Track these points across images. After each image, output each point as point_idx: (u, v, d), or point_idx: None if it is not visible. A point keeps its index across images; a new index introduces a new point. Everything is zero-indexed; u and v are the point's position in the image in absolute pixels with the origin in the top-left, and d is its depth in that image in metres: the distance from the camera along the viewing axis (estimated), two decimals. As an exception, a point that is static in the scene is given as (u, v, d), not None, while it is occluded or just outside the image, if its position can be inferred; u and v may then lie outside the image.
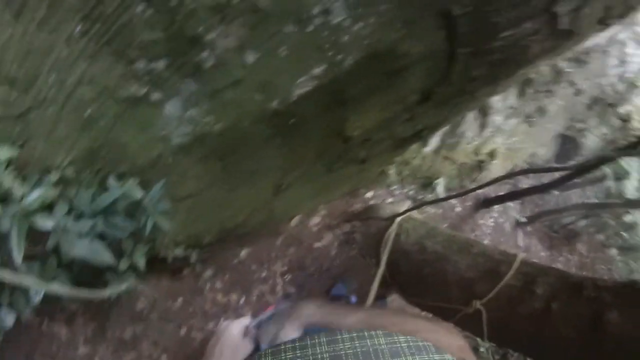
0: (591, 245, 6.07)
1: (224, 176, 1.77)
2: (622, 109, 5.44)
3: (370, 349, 0.51)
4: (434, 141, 3.54)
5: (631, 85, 5.09)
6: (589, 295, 1.74)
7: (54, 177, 1.33)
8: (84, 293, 1.42)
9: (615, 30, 4.07)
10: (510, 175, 2.19)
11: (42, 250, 1.45)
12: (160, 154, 1.48)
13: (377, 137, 2.19)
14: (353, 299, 2.78)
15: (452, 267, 2.33)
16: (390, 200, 3.49)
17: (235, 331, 0.98)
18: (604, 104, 5.14)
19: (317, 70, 1.39)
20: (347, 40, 1.32)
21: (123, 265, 1.60)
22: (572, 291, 1.81)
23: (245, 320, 1.03)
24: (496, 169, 4.67)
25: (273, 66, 1.30)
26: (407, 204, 3.26)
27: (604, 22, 1.64)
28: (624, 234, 5.72)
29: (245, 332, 0.99)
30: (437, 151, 3.69)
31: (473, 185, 4.47)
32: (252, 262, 2.58)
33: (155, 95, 1.27)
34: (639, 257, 5.77)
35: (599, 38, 3.82)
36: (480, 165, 4.35)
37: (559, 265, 5.51)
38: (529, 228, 5.33)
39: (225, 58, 1.21)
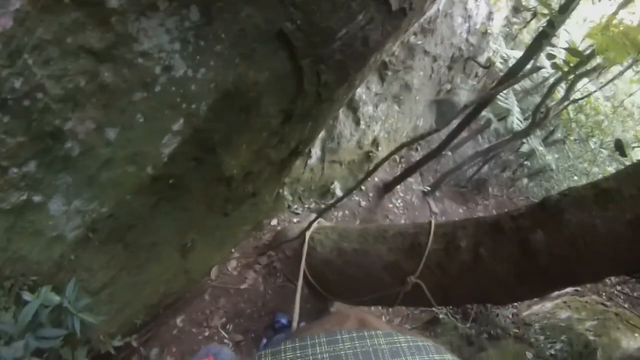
0: (501, 184, 6.76)
1: (128, 257, 1.84)
2: (481, 58, 6.00)
3: (370, 349, 0.53)
4: (316, 151, 3.77)
5: (482, 35, 5.64)
6: (510, 227, 1.85)
7: (-32, 312, 1.34)
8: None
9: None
10: (390, 155, 2.41)
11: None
12: (62, 254, 1.55)
13: (257, 168, 2.36)
14: (302, 324, 2.85)
15: (374, 257, 2.38)
16: (296, 220, 3.66)
17: None
18: (462, 60, 5.68)
19: (176, 126, 1.56)
20: (195, 89, 1.50)
21: (68, 374, 1.60)
22: (493, 232, 1.92)
23: None
24: (384, 154, 5.08)
25: (135, 135, 1.45)
26: (313, 217, 3.44)
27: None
28: (527, 162, 6.44)
29: None
30: (322, 159, 3.93)
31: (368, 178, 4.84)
32: (191, 327, 2.61)
33: (37, 198, 1.35)
34: (547, 176, 6.46)
35: (439, 4, 4.20)
36: (368, 157, 4.68)
37: (480, 214, 6.00)
38: (437, 194, 5.82)
39: (89, 142, 1.34)
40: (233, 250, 3.06)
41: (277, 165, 2.65)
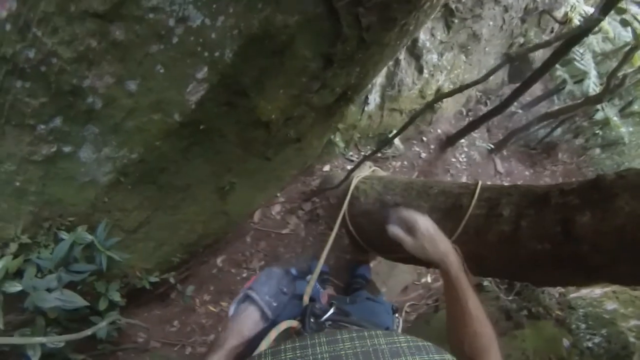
0: (572, 151, 6.38)
1: (162, 198, 2.03)
2: (558, 13, 5.54)
3: (370, 349, 0.55)
4: (374, 98, 3.73)
5: (559, -14, 5.13)
6: (557, 203, 1.73)
7: (12, 248, 1.60)
8: (71, 337, 1.70)
9: None
10: (436, 100, 2.29)
11: (30, 317, 1.74)
12: (95, 196, 1.75)
13: (298, 113, 2.40)
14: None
15: None
16: (349, 167, 3.70)
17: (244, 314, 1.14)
18: (537, 13, 5.31)
19: (200, 74, 1.63)
20: (216, 38, 1.54)
21: (102, 304, 1.88)
22: (539, 204, 1.81)
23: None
24: (449, 106, 4.94)
25: (156, 85, 1.55)
26: (368, 166, 3.48)
27: None
28: (599, 131, 6.02)
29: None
30: (381, 106, 3.88)
31: (430, 129, 4.74)
32: (230, 267, 2.87)
33: (67, 149, 1.53)
34: (620, 150, 6.07)
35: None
36: (432, 107, 4.51)
37: (546, 180, 5.81)
38: (505, 153, 5.62)
39: (110, 95, 1.47)
40: (278, 194, 3.21)
41: (323, 111, 2.67)
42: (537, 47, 2.33)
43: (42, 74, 1.27)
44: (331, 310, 1.17)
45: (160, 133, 1.72)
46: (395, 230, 1.37)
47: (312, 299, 1.35)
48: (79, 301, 1.65)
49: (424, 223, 1.33)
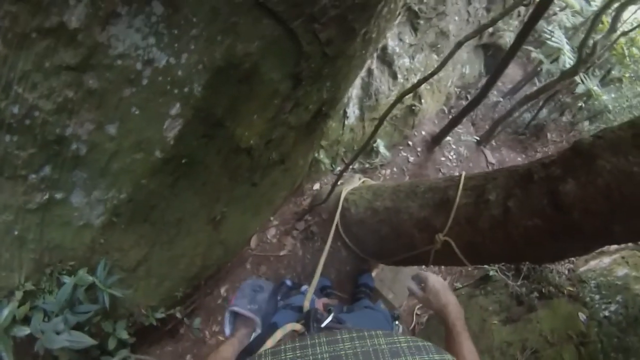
0: (561, 129, 6.50)
1: (157, 234, 2.16)
2: None
3: (370, 349, 0.56)
4: (353, 110, 3.87)
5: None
6: (540, 177, 1.77)
7: (18, 296, 1.72)
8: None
9: None
10: (389, 110, 2.36)
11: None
12: (92, 239, 1.88)
13: (277, 135, 2.54)
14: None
15: (405, 214, 2.44)
16: (340, 182, 3.82)
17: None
18: (501, 0, 5.36)
19: (174, 111, 1.78)
20: (182, 74, 1.69)
21: (111, 343, 1.99)
22: (523, 182, 1.85)
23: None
24: (429, 107, 5.06)
25: (135, 126, 1.69)
26: (357, 178, 3.60)
27: None
28: (584, 104, 6.15)
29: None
30: (361, 118, 4.01)
31: (414, 132, 4.89)
32: (234, 295, 2.95)
33: (58, 195, 1.67)
34: (606, 118, 6.09)
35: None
36: (412, 110, 4.71)
37: None
38: (494, 142, 5.75)
39: (93, 140, 1.61)
40: (272, 218, 3.34)
41: (302, 130, 2.80)
42: (483, 27, 2.47)
43: (28, 126, 1.42)
44: (330, 317, 1.24)
45: (145, 171, 1.85)
46: (411, 285, 1.65)
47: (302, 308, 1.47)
48: (87, 340, 1.76)
49: (433, 280, 1.55)
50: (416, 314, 3.63)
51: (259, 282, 1.59)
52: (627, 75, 5.73)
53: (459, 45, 2.09)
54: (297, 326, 1.14)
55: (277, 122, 2.44)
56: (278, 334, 1.05)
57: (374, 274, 3.44)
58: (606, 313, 2.82)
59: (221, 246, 2.72)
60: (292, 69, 2.17)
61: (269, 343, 1.00)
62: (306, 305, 1.39)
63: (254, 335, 1.39)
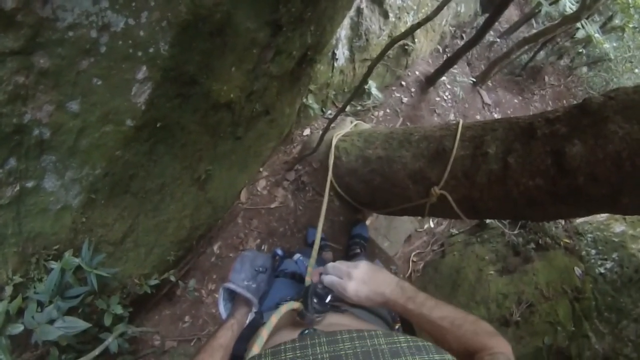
0: (558, 72, 6.43)
1: (140, 203, 2.10)
2: None
3: (370, 349, 0.57)
4: (342, 52, 3.72)
5: None
6: (543, 134, 1.68)
7: (8, 290, 1.69)
8: (85, 358, 1.84)
9: None
10: (382, 54, 2.22)
11: (44, 350, 1.86)
12: (73, 220, 1.83)
13: (259, 87, 2.43)
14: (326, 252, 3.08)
15: (399, 164, 2.37)
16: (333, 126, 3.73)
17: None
18: None
19: (140, 74, 1.66)
20: (145, 35, 1.57)
21: (107, 320, 2.00)
22: (524, 137, 1.77)
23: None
24: (423, 46, 4.92)
25: (99, 99, 1.59)
26: (349, 121, 3.50)
27: None
28: (583, 50, 6.09)
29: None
30: (351, 59, 3.89)
31: (407, 72, 4.74)
32: (227, 252, 2.97)
33: (29, 184, 1.59)
34: (606, 66, 6.13)
35: None
36: (405, 50, 4.57)
37: (537, 105, 5.88)
38: (490, 83, 5.67)
39: (55, 122, 1.51)
40: (261, 169, 3.27)
41: (287, 78, 2.69)
42: None
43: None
44: (330, 296, 1.12)
45: (117, 143, 1.77)
46: (328, 279, 1.17)
47: (299, 275, 1.42)
48: (81, 324, 1.75)
49: (360, 266, 1.15)
50: (412, 261, 3.69)
51: (261, 259, 1.45)
52: (630, 25, 5.62)
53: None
54: (295, 304, 1.06)
55: (258, 72, 2.33)
56: (273, 319, 0.98)
57: (368, 222, 3.43)
58: (602, 270, 2.87)
59: (209, 205, 2.68)
60: (270, 15, 2.04)
61: (264, 332, 0.92)
62: (307, 280, 1.30)
63: (250, 316, 1.34)
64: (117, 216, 2.04)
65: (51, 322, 1.71)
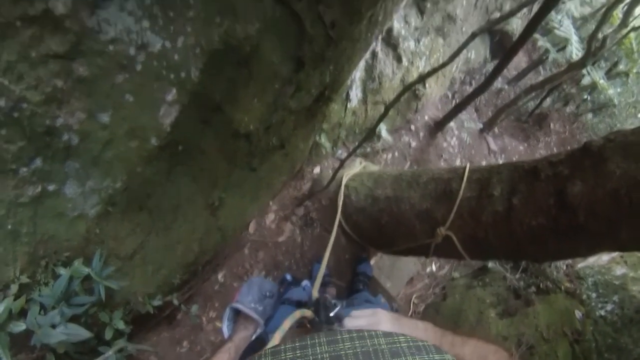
0: (564, 119, 6.52)
1: (153, 221, 2.12)
2: None
3: (370, 349, 0.56)
4: (356, 93, 3.80)
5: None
6: (547, 175, 1.75)
7: (13, 289, 1.69)
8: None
9: None
10: (398, 97, 2.30)
11: (41, 354, 1.84)
12: (87, 229, 1.85)
13: (277, 120, 2.49)
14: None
15: (407, 204, 2.41)
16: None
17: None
18: None
19: (170, 96, 1.72)
20: (179, 58, 1.64)
21: (108, 334, 1.97)
22: (529, 179, 1.83)
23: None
24: (433, 91, 5.02)
25: (128, 114, 1.64)
26: (358, 162, 3.55)
27: None
28: (588, 96, 6.16)
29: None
30: (364, 101, 3.96)
31: (417, 116, 4.83)
32: (232, 281, 2.96)
33: (51, 187, 1.63)
34: (611, 112, 6.17)
35: None
36: (415, 95, 4.66)
37: (542, 152, 5.92)
38: (497, 130, 5.73)
39: (85, 130, 1.56)
40: (271, 203, 3.30)
41: (303, 114, 2.75)
42: (498, 21, 2.42)
43: (16, 119, 1.36)
44: (338, 307, 1.16)
45: (140, 159, 1.81)
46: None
47: (304, 303, 1.43)
48: (83, 333, 1.74)
49: (379, 315, 1.14)
50: (413, 302, 3.65)
51: (269, 285, 1.49)
52: (634, 70, 5.70)
53: (473, 36, 2.05)
54: (307, 312, 1.11)
55: (278, 106, 2.39)
56: (286, 323, 1.00)
57: (372, 262, 3.42)
58: (602, 312, 2.85)
59: (219, 232, 2.69)
60: (294, 51, 2.12)
61: (277, 336, 0.94)
62: (314, 294, 1.34)
63: (254, 336, 1.34)
64: (130, 231, 2.05)
65: (53, 326, 1.69)
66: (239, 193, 2.70)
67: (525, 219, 1.79)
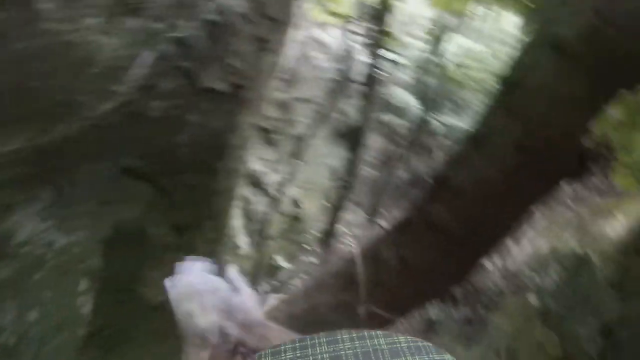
0: None
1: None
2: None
3: (370, 349, 0.54)
4: (242, 239, 3.93)
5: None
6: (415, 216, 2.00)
7: None
8: None
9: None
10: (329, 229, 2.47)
11: None
12: None
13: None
14: None
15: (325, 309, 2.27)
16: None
17: None
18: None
19: (82, 286, 1.92)
20: (80, 250, 1.86)
21: None
22: (403, 228, 2.08)
23: None
24: (311, 206, 5.05)
25: (51, 309, 1.81)
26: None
27: None
28: None
29: None
30: (253, 243, 4.09)
31: (306, 236, 4.81)
32: None
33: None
34: None
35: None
36: (296, 218, 4.85)
37: None
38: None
39: (17, 330, 1.70)
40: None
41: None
42: None
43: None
44: None
45: (74, 350, 1.92)
46: None
47: None
48: None
49: None
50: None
51: None
52: None
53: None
54: None
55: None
56: None
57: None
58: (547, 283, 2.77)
59: None
60: (173, 219, 2.38)
61: None
62: None
63: None
64: None
65: None
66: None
67: (418, 260, 1.99)
